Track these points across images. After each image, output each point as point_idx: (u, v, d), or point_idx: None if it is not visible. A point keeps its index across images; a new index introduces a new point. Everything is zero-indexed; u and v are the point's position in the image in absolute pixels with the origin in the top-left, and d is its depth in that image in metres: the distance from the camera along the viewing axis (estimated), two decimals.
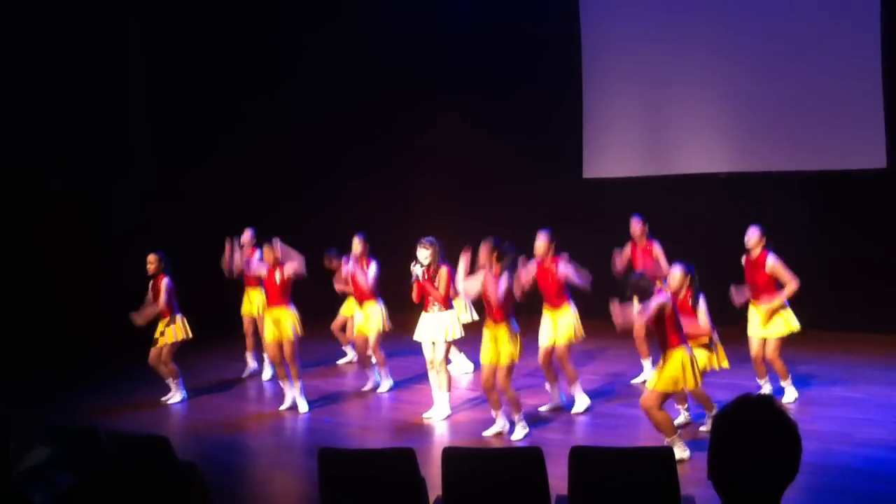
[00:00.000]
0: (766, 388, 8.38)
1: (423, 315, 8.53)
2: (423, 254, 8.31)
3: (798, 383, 9.06)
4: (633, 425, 7.82)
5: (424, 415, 8.42)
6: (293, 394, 8.94)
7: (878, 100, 11.08)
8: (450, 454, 4.89)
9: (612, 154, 12.95)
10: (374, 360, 9.63)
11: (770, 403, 2.20)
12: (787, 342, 9.40)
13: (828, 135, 11.42)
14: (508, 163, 13.27)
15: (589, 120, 13.09)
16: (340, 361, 11.03)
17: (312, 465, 5.00)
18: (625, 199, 12.34)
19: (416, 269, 8.33)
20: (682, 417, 7.74)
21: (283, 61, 13.33)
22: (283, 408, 8.93)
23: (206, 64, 12.20)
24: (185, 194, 11.91)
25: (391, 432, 8.23)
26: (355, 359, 10.60)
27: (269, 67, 13.17)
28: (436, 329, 8.37)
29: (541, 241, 8.35)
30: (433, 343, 8.40)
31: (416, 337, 8.62)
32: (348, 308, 10.35)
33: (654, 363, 7.79)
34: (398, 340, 10.04)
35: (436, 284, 8.36)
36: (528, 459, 4.72)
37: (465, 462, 4.95)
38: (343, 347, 11.04)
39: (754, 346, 8.35)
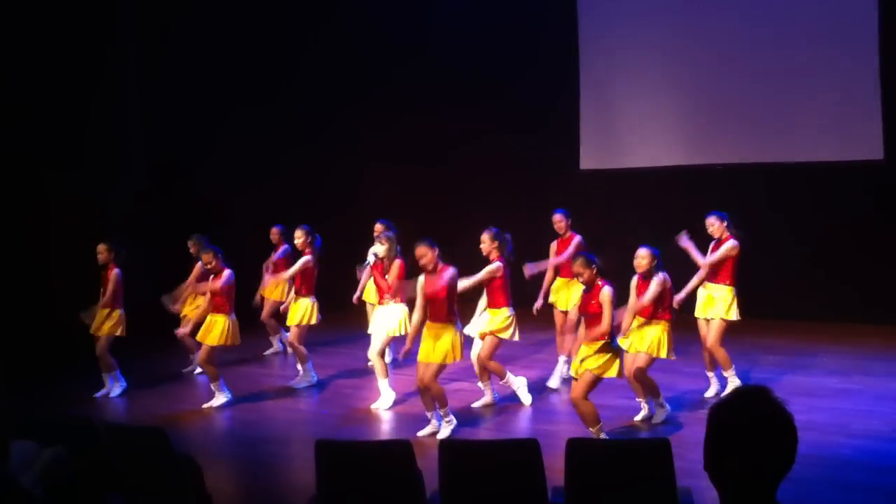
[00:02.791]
0: (713, 383, 8.37)
1: (378, 308, 8.71)
2: (380, 248, 8.50)
3: (793, 374, 9.10)
4: (628, 417, 7.83)
5: (373, 405, 8.53)
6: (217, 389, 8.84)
7: (875, 91, 11.08)
8: (446, 446, 4.90)
9: (610, 145, 12.94)
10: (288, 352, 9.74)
11: (766, 395, 2.21)
12: (783, 332, 9.44)
13: (825, 126, 11.43)
14: (505, 153, 13.26)
15: (586, 111, 13.08)
16: (267, 352, 10.98)
17: (308, 456, 5.00)
18: (622, 191, 12.37)
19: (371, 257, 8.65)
20: (644, 411, 7.78)
21: (281, 60, 13.30)
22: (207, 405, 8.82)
23: (201, 61, 12.16)
24: (181, 191, 11.88)
25: (378, 424, 8.25)
26: (280, 349, 10.86)
27: (269, 66, 13.12)
28: (386, 321, 8.52)
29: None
30: (378, 335, 8.56)
31: (370, 330, 8.80)
32: (277, 292, 10.46)
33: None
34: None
35: (386, 277, 8.50)
36: (525, 451, 4.72)
37: (461, 454, 4.96)
38: (271, 338, 10.98)
39: (703, 330, 8.32)
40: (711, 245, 8.36)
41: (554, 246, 9.26)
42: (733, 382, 8.17)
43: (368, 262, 8.58)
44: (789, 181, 11.65)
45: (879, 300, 11.03)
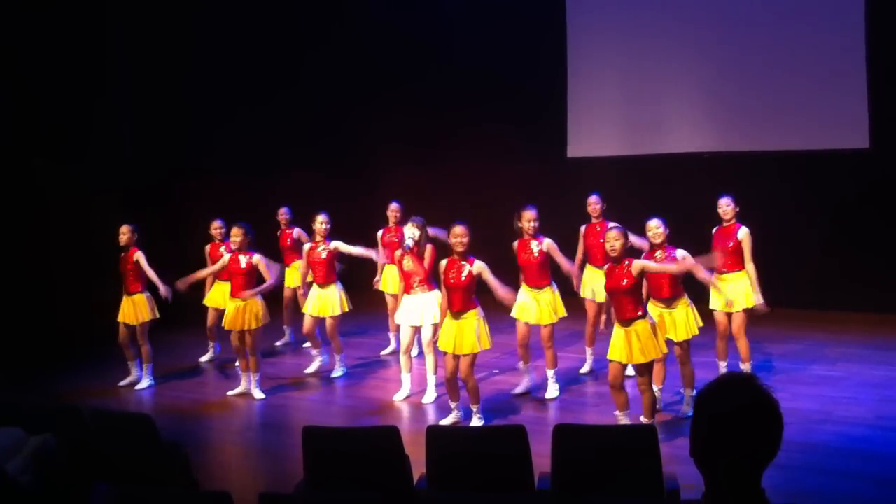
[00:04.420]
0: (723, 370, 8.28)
1: (406, 298, 8.43)
2: (411, 232, 8.23)
3: (778, 362, 9.15)
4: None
5: (394, 397, 8.43)
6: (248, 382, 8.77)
7: (861, 80, 11.12)
8: (434, 433, 4.91)
9: (596, 133, 12.95)
10: (321, 344, 9.54)
11: (752, 384, 2.21)
12: (766, 319, 9.40)
13: (811, 115, 11.46)
14: (491, 141, 13.25)
15: (573, 99, 13.08)
16: (279, 343, 10.78)
17: (296, 444, 5.01)
18: (608, 179, 12.37)
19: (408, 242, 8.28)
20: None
21: (288, 59, 13.33)
22: (232, 393, 8.77)
23: (196, 57, 12.21)
24: (171, 180, 11.88)
25: (366, 411, 8.25)
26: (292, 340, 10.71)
27: (273, 64, 13.17)
28: (421, 311, 8.29)
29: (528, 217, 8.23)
30: (418, 326, 8.34)
31: (398, 320, 8.61)
32: (291, 279, 10.36)
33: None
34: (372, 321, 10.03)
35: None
36: (512, 437, 4.74)
37: (449, 440, 4.98)
38: (284, 327, 10.83)
39: (720, 322, 8.14)
40: (715, 230, 8.22)
41: (583, 229, 9.07)
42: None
43: (407, 247, 8.25)
44: (776, 170, 11.69)
45: (864, 288, 11.09)
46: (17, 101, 10.30)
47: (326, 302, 9.19)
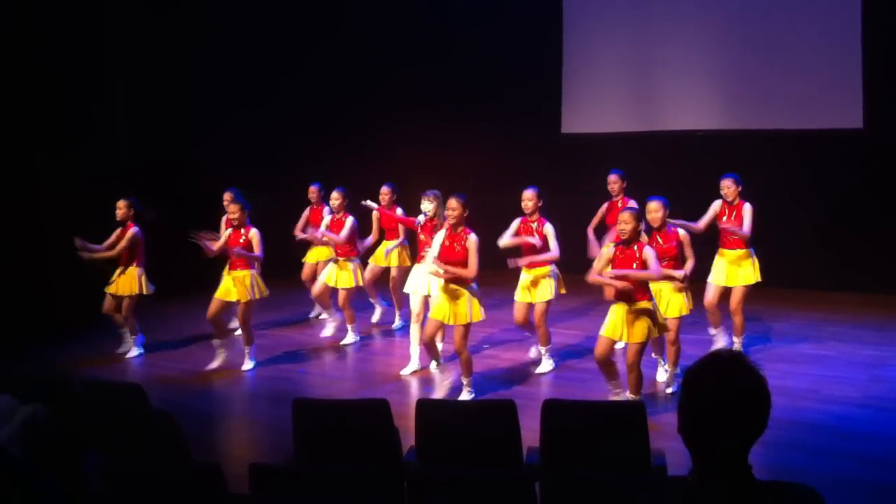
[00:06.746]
0: (720, 338, 8.42)
1: (416, 266, 8.57)
2: (427, 206, 8.33)
3: (767, 340, 9.19)
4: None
5: (402, 371, 8.42)
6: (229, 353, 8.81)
7: (856, 60, 11.11)
8: (424, 405, 4.93)
9: (591, 109, 12.93)
10: (335, 314, 9.80)
11: (741, 361, 2.22)
12: (758, 298, 9.47)
13: (806, 95, 11.45)
14: (484, 117, 13.20)
15: (568, 74, 13.04)
16: (312, 315, 10.84)
17: (287, 415, 5.02)
18: (603, 155, 12.35)
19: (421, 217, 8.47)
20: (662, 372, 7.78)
21: (282, 50, 13.29)
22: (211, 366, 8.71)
23: (195, 51, 12.15)
24: (162, 161, 11.84)
25: (366, 384, 8.26)
26: (323, 314, 10.60)
27: (273, 62, 13.15)
28: (423, 281, 8.33)
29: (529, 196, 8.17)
30: (427, 295, 8.35)
31: (407, 289, 8.62)
32: (313, 256, 10.41)
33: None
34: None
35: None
36: (502, 412, 4.76)
37: (438, 414, 4.99)
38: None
39: (710, 294, 8.27)
40: (718, 208, 8.25)
41: (604, 207, 9.16)
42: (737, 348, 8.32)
43: (419, 222, 8.42)
44: (769, 149, 11.69)
45: (855, 268, 11.13)
46: (17, 93, 10.21)
47: (342, 274, 9.33)
